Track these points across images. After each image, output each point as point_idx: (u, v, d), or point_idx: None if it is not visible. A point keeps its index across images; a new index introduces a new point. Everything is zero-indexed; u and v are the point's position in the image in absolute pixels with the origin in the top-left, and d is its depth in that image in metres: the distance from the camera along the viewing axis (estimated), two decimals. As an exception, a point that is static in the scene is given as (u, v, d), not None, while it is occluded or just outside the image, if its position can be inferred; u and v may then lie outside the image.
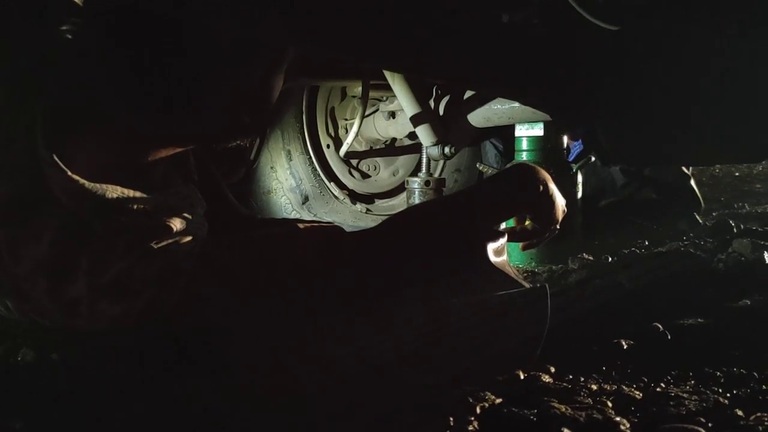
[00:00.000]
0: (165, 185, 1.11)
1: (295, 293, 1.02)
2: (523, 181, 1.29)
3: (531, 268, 1.90)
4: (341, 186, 2.75)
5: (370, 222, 2.65)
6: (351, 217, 2.70)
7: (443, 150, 2.17)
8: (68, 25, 0.99)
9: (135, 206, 0.98)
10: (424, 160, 2.35)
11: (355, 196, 2.78)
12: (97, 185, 0.94)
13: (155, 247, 0.96)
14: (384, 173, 2.96)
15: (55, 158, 0.91)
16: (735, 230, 2.36)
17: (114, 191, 0.96)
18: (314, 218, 2.56)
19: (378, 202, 2.90)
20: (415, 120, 2.14)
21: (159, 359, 0.95)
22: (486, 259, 1.24)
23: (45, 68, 1.01)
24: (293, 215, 2.54)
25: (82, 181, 0.93)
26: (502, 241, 1.33)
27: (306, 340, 0.97)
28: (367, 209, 2.77)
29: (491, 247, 1.28)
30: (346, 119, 2.76)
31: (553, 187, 1.29)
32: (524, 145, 2.04)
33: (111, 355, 0.97)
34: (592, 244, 2.04)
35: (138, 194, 0.99)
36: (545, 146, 2.02)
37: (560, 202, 1.33)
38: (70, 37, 1.00)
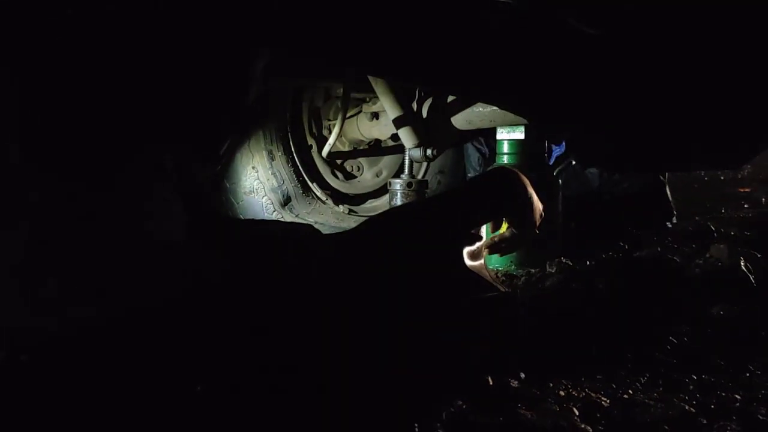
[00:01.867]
0: (142, 187, 1.10)
1: (273, 295, 1.02)
2: (501, 185, 1.29)
3: (510, 272, 1.90)
4: (324, 187, 2.73)
5: (352, 223, 2.64)
6: (334, 218, 2.68)
7: (425, 152, 2.17)
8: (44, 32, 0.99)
9: (112, 210, 0.98)
10: (407, 162, 2.35)
11: (338, 197, 2.76)
12: (74, 189, 0.94)
13: (130, 250, 0.96)
14: (367, 174, 2.94)
15: (32, 163, 0.91)
16: (716, 234, 2.38)
17: (91, 195, 0.95)
18: (296, 219, 2.55)
19: (361, 203, 2.89)
20: (397, 122, 2.14)
21: (131, 363, 0.95)
22: (461, 263, 1.25)
23: (20, 74, 1.01)
24: (275, 216, 2.53)
25: (58, 185, 0.93)
26: (479, 244, 1.33)
27: (278, 340, 0.97)
28: (350, 210, 2.76)
29: (467, 250, 1.28)
30: (330, 120, 2.74)
31: (531, 192, 1.30)
32: (505, 148, 2.04)
33: (82, 358, 0.96)
34: (571, 248, 2.04)
35: (115, 198, 0.99)
36: (526, 150, 2.02)
37: (538, 206, 1.33)
38: (45, 44, 0.99)
